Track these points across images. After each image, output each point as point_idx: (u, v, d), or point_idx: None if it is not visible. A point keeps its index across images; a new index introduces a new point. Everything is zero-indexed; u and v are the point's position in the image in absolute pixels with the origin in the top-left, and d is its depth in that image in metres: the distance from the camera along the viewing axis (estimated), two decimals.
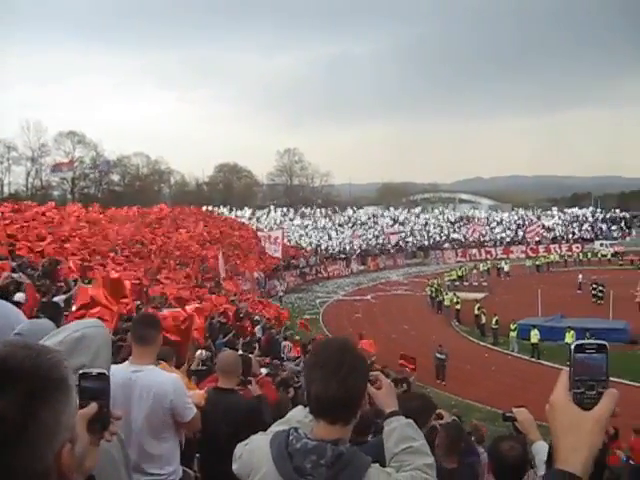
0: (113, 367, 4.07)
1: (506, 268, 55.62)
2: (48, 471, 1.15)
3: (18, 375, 1.12)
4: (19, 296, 9.87)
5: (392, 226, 75.74)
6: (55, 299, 11.70)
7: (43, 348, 1.25)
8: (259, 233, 43.23)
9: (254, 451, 2.32)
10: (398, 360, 22.32)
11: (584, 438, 1.33)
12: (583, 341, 1.42)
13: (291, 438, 2.17)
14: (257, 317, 24.42)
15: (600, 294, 38.88)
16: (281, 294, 44.60)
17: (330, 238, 69.95)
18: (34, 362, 1.16)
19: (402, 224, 78.57)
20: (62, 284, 15.28)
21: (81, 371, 1.61)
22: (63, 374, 1.21)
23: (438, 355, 25.16)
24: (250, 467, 2.29)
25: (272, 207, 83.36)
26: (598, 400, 1.36)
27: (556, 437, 1.37)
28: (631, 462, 11.07)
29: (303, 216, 79.33)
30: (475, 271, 53.31)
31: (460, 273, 51.83)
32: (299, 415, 2.59)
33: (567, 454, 1.33)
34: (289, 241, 60.76)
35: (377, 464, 2.17)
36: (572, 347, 1.41)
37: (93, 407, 1.57)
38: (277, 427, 2.52)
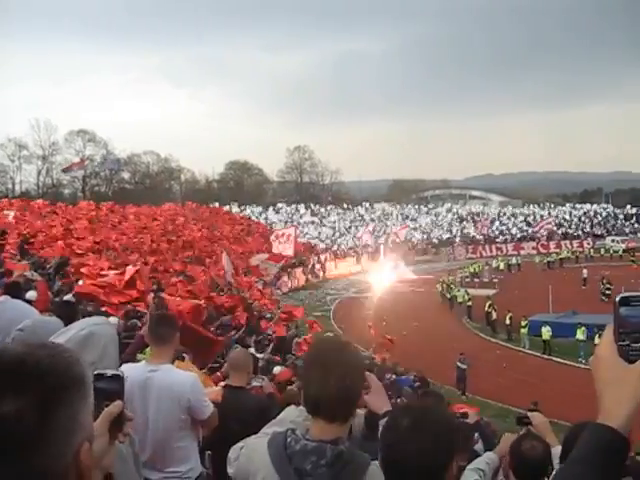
0: (130, 366, 4.13)
1: (501, 266, 55.38)
2: (67, 470, 1.15)
3: (36, 375, 1.12)
4: (31, 294, 9.90)
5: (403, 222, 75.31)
6: (66, 297, 11.74)
7: (60, 347, 1.25)
8: (274, 231, 42.75)
9: (251, 454, 2.29)
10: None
11: (628, 391, 1.33)
12: (628, 293, 1.41)
13: (289, 440, 2.15)
14: (269, 314, 24.35)
15: (607, 292, 38.50)
16: (278, 295, 39.26)
17: (341, 235, 69.80)
18: (51, 361, 1.16)
19: (414, 220, 78.56)
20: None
21: (95, 372, 1.61)
22: (81, 373, 1.21)
23: (459, 364, 23.44)
24: (248, 470, 2.27)
25: (283, 204, 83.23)
26: None
27: (600, 390, 1.37)
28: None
29: (313, 213, 79.25)
30: (487, 267, 53.14)
31: (473, 270, 51.87)
32: (292, 415, 2.59)
33: (611, 407, 1.33)
34: (299, 238, 60.56)
35: (377, 462, 2.15)
36: (617, 300, 1.40)
37: (118, 405, 1.57)
38: (271, 428, 2.51)
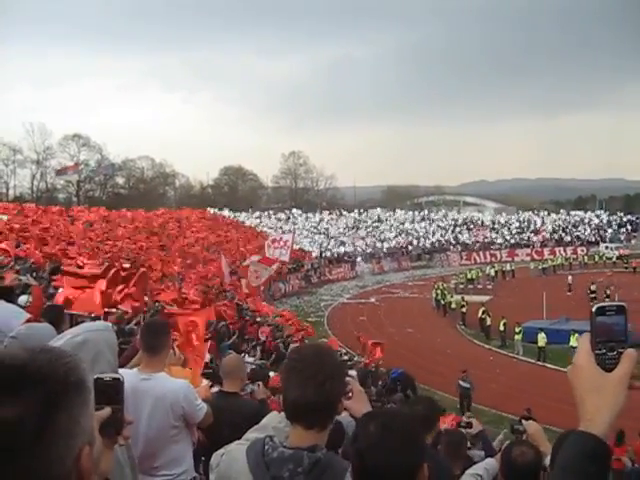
0: (122, 372, 4.09)
1: (492, 272, 55.27)
2: (67, 475, 1.16)
3: (36, 379, 1.13)
4: (22, 299, 9.87)
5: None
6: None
7: (61, 352, 1.25)
8: (270, 237, 42.71)
9: (231, 461, 2.29)
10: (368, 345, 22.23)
11: (607, 399, 1.37)
12: (604, 303, 1.48)
13: (267, 447, 2.14)
14: (259, 318, 24.29)
15: (605, 297, 38.37)
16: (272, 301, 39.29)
17: (341, 244, 69.63)
18: (52, 366, 1.17)
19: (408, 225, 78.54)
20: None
21: (95, 376, 1.62)
22: (81, 377, 1.22)
23: (462, 383, 21.60)
24: (228, 477, 2.27)
25: (276, 210, 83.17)
26: (618, 361, 1.40)
27: (580, 398, 1.42)
28: (636, 466, 11.01)
29: (308, 219, 79.19)
30: (481, 274, 53.27)
31: (471, 276, 52.09)
32: (274, 421, 2.57)
33: (592, 414, 1.37)
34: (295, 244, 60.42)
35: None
36: (593, 310, 1.46)
37: (106, 411, 1.60)
38: (252, 434, 2.50)
